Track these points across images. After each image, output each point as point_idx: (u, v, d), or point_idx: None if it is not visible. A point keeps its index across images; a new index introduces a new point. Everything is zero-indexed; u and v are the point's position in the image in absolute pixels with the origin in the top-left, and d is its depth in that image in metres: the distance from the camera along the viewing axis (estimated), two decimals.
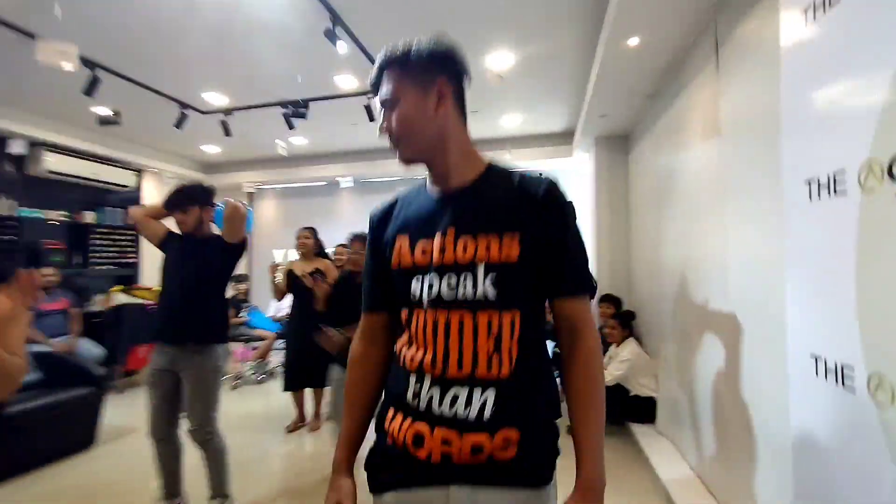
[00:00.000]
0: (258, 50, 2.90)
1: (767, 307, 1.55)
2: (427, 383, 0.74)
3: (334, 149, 5.35)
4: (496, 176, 0.81)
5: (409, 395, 0.76)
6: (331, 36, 2.41)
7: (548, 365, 0.80)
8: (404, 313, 0.80)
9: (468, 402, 0.72)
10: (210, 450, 2.04)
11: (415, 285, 0.78)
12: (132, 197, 5.23)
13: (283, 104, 3.75)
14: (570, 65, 3.18)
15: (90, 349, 4.05)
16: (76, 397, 2.91)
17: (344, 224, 5.14)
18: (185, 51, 2.93)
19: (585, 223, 4.17)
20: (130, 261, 5.16)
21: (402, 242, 0.80)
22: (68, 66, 2.15)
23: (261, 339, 4.58)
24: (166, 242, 2.12)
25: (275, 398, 3.89)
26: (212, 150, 5.32)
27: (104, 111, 3.91)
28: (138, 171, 5.21)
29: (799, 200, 0.93)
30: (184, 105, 3.75)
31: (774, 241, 1.51)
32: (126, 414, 3.56)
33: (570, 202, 0.79)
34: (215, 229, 2.18)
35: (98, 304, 4.73)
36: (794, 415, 1.05)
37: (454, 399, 0.72)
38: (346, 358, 0.91)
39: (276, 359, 4.71)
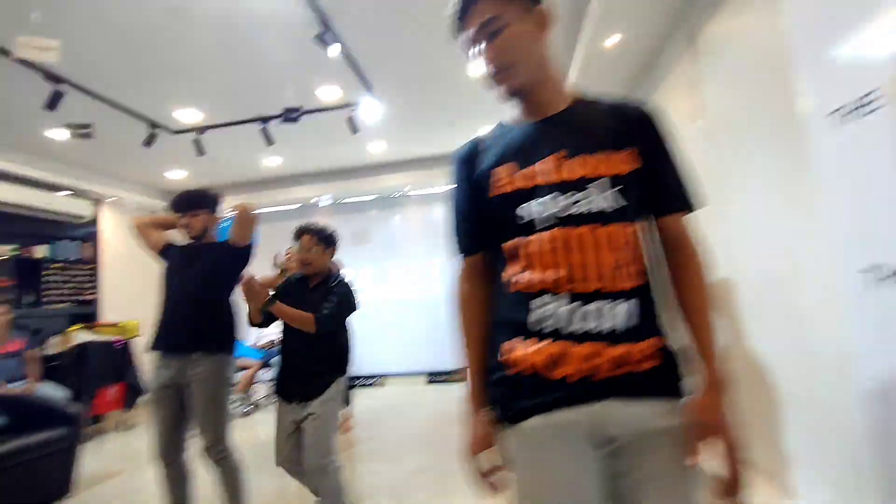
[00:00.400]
0: (237, 62, 2.87)
1: (784, 274, 1.69)
2: (561, 302, 0.73)
3: (310, 169, 5.29)
4: (589, 101, 0.84)
5: (534, 318, 0.74)
6: (322, 39, 2.44)
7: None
8: (514, 242, 0.78)
9: (612, 314, 0.71)
10: (226, 468, 1.90)
11: (528, 209, 0.77)
12: (88, 229, 4.88)
13: (263, 119, 3.70)
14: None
15: (52, 393, 3.65)
16: (48, 440, 2.60)
17: None
18: (155, 64, 2.83)
19: None
20: (89, 298, 4.75)
21: (507, 170, 0.80)
22: (50, 58, 2.03)
23: (244, 368, 4.32)
24: (166, 251, 2.02)
25: (263, 430, 3.67)
26: (177, 175, 5.09)
27: (61, 133, 3.68)
28: (95, 201, 4.88)
29: (825, 132, 1.06)
30: (153, 124, 3.60)
31: (782, 201, 1.67)
32: (101, 459, 3.22)
33: (665, 122, 0.83)
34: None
35: (55, 345, 4.31)
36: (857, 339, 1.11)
37: (596, 312, 0.71)
38: None
39: (262, 389, 4.46)
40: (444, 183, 5.37)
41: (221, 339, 1.95)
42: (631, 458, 0.72)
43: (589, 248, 0.73)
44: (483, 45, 0.79)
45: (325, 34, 2.43)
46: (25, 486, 2.46)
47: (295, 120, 3.00)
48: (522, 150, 0.80)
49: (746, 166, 1.87)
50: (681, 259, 0.80)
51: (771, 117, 1.67)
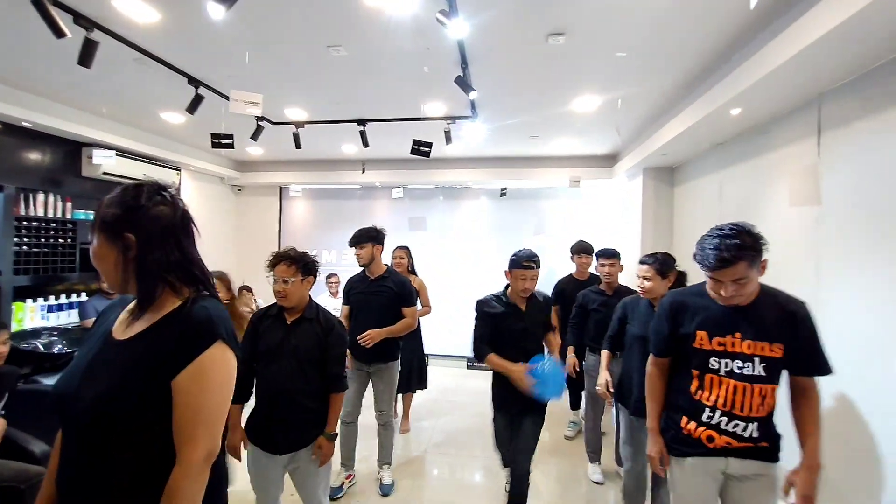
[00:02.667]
0: (348, 73, 2.99)
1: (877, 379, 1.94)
2: (718, 413, 1.46)
3: (382, 156, 5.45)
4: (765, 296, 1.45)
5: (704, 416, 1.48)
6: (463, 83, 2.59)
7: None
8: (699, 372, 1.50)
9: (745, 429, 1.44)
10: (388, 428, 2.85)
11: (714, 361, 1.46)
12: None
13: (359, 121, 3.88)
14: (645, 108, 3.49)
15: None
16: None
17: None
18: (278, 70, 2.94)
19: (628, 242, 4.56)
20: None
21: (703, 335, 1.48)
22: (256, 112, 2.23)
23: None
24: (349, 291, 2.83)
25: None
26: (256, 151, 5.30)
27: (173, 116, 3.87)
28: (178, 170, 5.12)
29: None
30: (261, 118, 3.78)
31: (881, 317, 1.90)
32: None
33: (813, 318, 1.43)
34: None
35: None
36: None
37: (735, 425, 1.44)
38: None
39: None
40: (505, 180, 5.54)
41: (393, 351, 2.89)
42: (740, 488, 1.49)
43: (742, 393, 1.44)
44: (731, 286, 1.40)
45: (466, 78, 2.58)
46: None
47: (426, 154, 3.17)
48: (715, 326, 1.48)
49: (859, 262, 2.08)
50: (806, 399, 1.46)
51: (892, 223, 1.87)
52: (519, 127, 4.06)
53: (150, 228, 0.92)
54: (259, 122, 3.78)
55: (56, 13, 1.93)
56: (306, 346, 1.79)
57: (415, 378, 3.73)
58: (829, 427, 1.98)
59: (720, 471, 1.49)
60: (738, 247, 1.33)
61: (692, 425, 1.50)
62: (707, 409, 1.47)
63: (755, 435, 1.42)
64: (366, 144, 3.96)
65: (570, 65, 2.70)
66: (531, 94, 3.23)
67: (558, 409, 4.08)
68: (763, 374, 1.41)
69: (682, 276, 2.39)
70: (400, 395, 3.73)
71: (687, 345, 1.50)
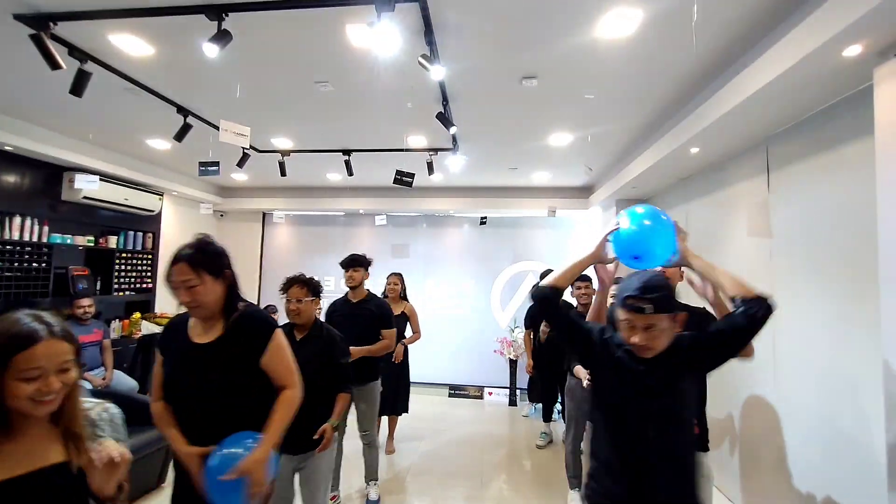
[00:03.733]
0: (334, 107, 3.10)
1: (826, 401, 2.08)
2: None
3: (366, 184, 5.56)
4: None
5: None
6: (444, 118, 2.75)
7: None
8: None
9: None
10: (372, 447, 2.93)
11: None
12: (153, 220, 5.14)
13: (344, 151, 4.01)
14: (615, 144, 3.72)
15: (124, 381, 3.95)
16: (151, 439, 2.91)
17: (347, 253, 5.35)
18: (264, 101, 3.06)
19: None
20: (147, 286, 5.02)
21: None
22: (243, 143, 2.32)
23: None
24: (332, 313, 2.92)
25: None
26: (240, 177, 5.35)
27: (159, 143, 3.93)
28: (160, 195, 5.12)
29: None
30: (248, 147, 3.86)
31: (830, 338, 2.05)
32: None
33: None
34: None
35: (115, 330, 4.58)
36: None
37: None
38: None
39: None
40: (486, 209, 5.71)
41: (374, 371, 2.95)
42: None
43: None
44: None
45: (447, 114, 2.74)
46: (132, 479, 2.78)
47: (409, 185, 3.29)
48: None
49: (807, 287, 2.25)
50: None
51: (841, 259, 2.05)
52: (498, 159, 4.25)
53: (231, 265, 1.47)
54: (245, 151, 3.85)
55: (52, 46, 2.01)
56: (314, 359, 1.95)
57: (400, 401, 3.79)
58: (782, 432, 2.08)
59: None
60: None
61: None
62: None
63: None
64: (350, 173, 4.08)
65: (543, 104, 2.90)
66: (508, 130, 3.43)
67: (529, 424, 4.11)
68: None
69: None
70: (385, 417, 3.72)
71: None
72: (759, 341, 1.31)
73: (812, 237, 2.23)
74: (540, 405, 4.97)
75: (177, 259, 1.40)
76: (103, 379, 3.71)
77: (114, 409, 1.08)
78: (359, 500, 2.97)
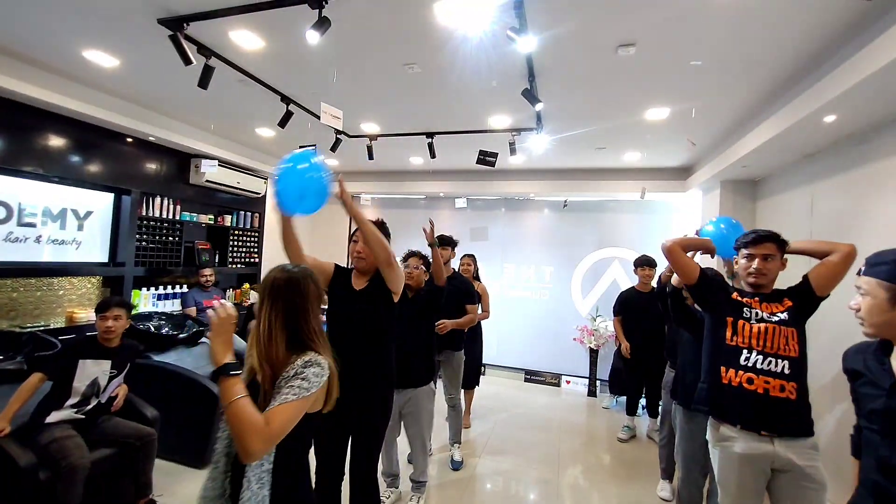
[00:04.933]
0: (420, 89, 3.16)
1: None
2: (755, 353, 1.69)
3: (446, 167, 5.64)
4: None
5: (741, 359, 1.70)
6: (530, 95, 2.66)
7: None
8: (732, 319, 1.74)
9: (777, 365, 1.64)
10: (456, 410, 3.29)
11: (746, 311, 1.76)
12: (259, 202, 5.74)
13: (428, 134, 4.08)
14: (723, 117, 3.32)
15: (237, 341, 4.52)
16: None
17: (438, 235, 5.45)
18: (361, 86, 3.20)
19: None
20: (254, 261, 5.65)
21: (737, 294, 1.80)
22: (338, 125, 2.50)
23: None
24: None
25: None
26: (332, 162, 5.74)
27: (265, 131, 4.35)
28: (265, 179, 5.68)
29: None
30: (339, 132, 4.12)
31: None
32: None
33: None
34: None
35: (229, 299, 5.24)
36: None
37: (769, 363, 1.66)
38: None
39: None
40: (568, 192, 5.48)
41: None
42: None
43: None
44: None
45: (533, 90, 2.65)
46: None
47: (492, 164, 3.28)
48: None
49: None
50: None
51: None
52: (585, 138, 4.03)
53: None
54: (338, 136, 4.12)
55: (186, 45, 2.31)
56: (418, 313, 2.54)
57: (473, 376, 3.92)
58: None
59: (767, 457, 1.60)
60: (770, 232, 1.74)
61: (731, 373, 1.67)
62: (744, 351, 1.66)
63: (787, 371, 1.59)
64: (433, 156, 4.16)
65: (640, 75, 2.68)
66: (599, 105, 3.23)
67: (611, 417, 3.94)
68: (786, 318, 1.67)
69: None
70: (462, 391, 3.87)
71: (726, 296, 1.78)
72: None
73: None
74: (622, 398, 4.74)
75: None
76: None
77: None
78: (444, 459, 3.30)
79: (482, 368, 4.18)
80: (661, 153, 4.45)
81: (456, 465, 3.18)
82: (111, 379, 2.31)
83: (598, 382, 5.24)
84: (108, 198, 4.07)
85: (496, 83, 2.87)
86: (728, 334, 1.70)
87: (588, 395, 5.23)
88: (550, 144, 4.12)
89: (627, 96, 3.03)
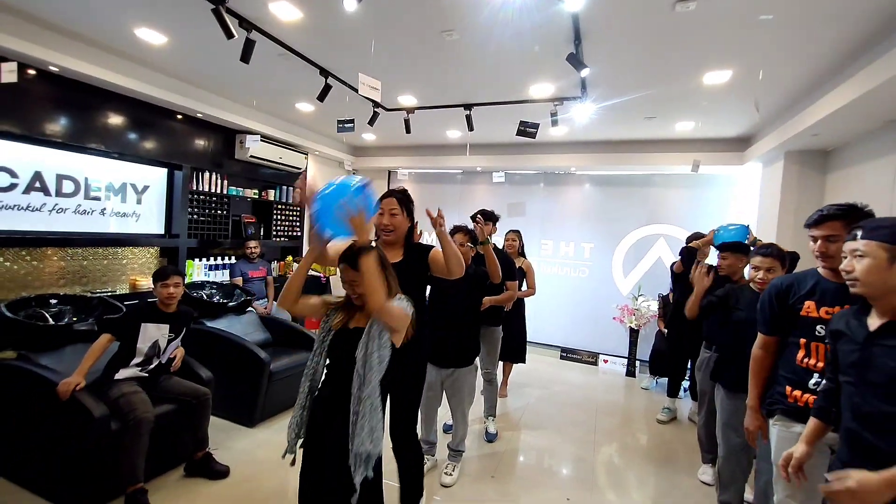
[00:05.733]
0: (458, 58, 3.05)
1: None
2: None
3: (483, 141, 5.51)
4: None
5: (811, 383, 1.53)
6: (575, 60, 2.51)
7: None
8: (805, 341, 1.56)
9: None
10: (492, 384, 3.34)
11: (820, 329, 1.53)
12: (301, 177, 5.88)
13: (466, 106, 3.98)
14: (792, 80, 3.00)
15: (282, 312, 4.75)
16: (297, 361, 3.43)
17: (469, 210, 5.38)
18: (398, 57, 3.13)
19: (760, 236, 4.00)
20: (296, 234, 5.84)
21: (811, 304, 1.56)
22: (376, 97, 2.49)
23: None
24: None
25: None
26: (369, 137, 5.75)
27: (305, 106, 4.40)
28: (306, 154, 5.79)
29: None
30: (377, 105, 4.09)
31: None
32: None
33: None
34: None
35: (274, 270, 5.47)
36: None
37: None
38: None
39: None
40: (612, 165, 5.22)
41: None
42: None
43: None
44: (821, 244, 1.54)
45: (578, 55, 2.49)
46: (292, 390, 3.37)
47: (532, 136, 3.17)
48: (827, 296, 1.55)
49: None
50: None
51: None
52: (633, 107, 3.78)
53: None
54: (375, 109, 4.10)
55: (228, 18, 2.33)
56: (461, 293, 2.47)
57: (514, 350, 3.93)
58: None
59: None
60: (836, 209, 1.48)
61: (798, 392, 1.56)
62: (816, 375, 1.53)
63: None
64: (471, 128, 4.06)
65: (700, 34, 2.45)
66: (651, 69, 3.00)
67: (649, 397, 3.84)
68: None
69: (794, 259, 2.71)
70: (501, 363, 3.90)
71: (795, 316, 1.58)
72: None
73: None
74: (662, 380, 4.61)
75: (388, 194, 1.93)
76: (265, 308, 4.50)
77: None
78: (479, 431, 3.35)
79: (525, 345, 4.13)
80: (717, 122, 4.11)
81: (490, 437, 3.24)
82: (170, 342, 2.49)
83: (637, 363, 5.10)
84: (161, 173, 4.29)
85: (538, 48, 2.72)
86: (800, 356, 1.58)
87: (626, 374, 5.12)
88: (595, 114, 3.91)
89: (684, 58, 2.79)
